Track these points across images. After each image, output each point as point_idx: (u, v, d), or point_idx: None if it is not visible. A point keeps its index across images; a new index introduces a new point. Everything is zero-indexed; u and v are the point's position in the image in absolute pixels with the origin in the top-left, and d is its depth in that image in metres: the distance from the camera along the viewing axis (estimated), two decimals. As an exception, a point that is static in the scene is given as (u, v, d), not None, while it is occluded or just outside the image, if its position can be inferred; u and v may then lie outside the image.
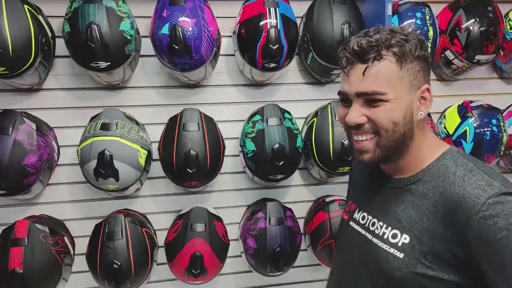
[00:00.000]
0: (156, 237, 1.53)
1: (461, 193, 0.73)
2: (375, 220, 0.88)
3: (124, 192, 1.47)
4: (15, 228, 1.29)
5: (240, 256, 1.58)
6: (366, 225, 0.90)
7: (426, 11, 1.56)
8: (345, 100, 0.84)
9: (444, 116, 1.73)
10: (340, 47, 0.84)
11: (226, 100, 1.64)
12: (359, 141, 0.82)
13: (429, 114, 1.61)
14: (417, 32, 1.51)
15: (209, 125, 1.42)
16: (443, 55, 1.65)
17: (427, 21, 1.55)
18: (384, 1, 1.39)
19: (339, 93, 0.85)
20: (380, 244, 0.83)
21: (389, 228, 0.83)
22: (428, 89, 0.82)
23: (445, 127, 1.70)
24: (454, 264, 0.73)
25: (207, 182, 1.45)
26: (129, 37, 1.34)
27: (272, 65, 1.43)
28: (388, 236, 0.83)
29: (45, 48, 1.35)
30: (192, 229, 1.40)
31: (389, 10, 1.42)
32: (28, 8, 1.29)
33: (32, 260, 1.27)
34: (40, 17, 1.35)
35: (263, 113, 1.44)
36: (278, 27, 1.38)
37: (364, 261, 0.87)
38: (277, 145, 1.40)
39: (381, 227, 0.85)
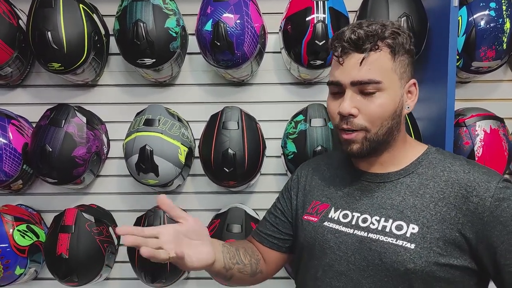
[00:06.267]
0: (196, 235, 1.53)
1: (472, 179, 0.78)
2: (366, 216, 0.84)
3: (167, 187, 1.49)
4: (65, 215, 1.37)
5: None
6: (353, 222, 0.84)
7: (503, 0, 1.36)
8: (335, 91, 0.84)
9: None
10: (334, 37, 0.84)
11: (272, 99, 1.58)
12: (348, 132, 0.82)
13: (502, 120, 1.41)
14: (491, 25, 1.33)
15: (250, 124, 1.38)
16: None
17: (504, 12, 1.34)
18: (449, -10, 1.23)
19: (331, 83, 0.85)
20: (382, 238, 0.80)
21: (390, 220, 0.81)
22: (414, 84, 0.86)
23: None
24: (464, 247, 0.77)
25: (245, 182, 1.41)
26: (174, 34, 1.35)
27: (319, 62, 1.34)
28: (391, 229, 0.80)
29: (98, 45, 1.41)
30: (228, 229, 1.37)
31: (455, 0, 1.25)
32: (83, 7, 1.36)
33: (77, 247, 1.34)
34: (95, 16, 1.41)
35: (307, 113, 1.36)
36: (326, 22, 1.29)
37: (363, 260, 0.80)
38: (319, 148, 1.31)
39: (378, 221, 0.82)
